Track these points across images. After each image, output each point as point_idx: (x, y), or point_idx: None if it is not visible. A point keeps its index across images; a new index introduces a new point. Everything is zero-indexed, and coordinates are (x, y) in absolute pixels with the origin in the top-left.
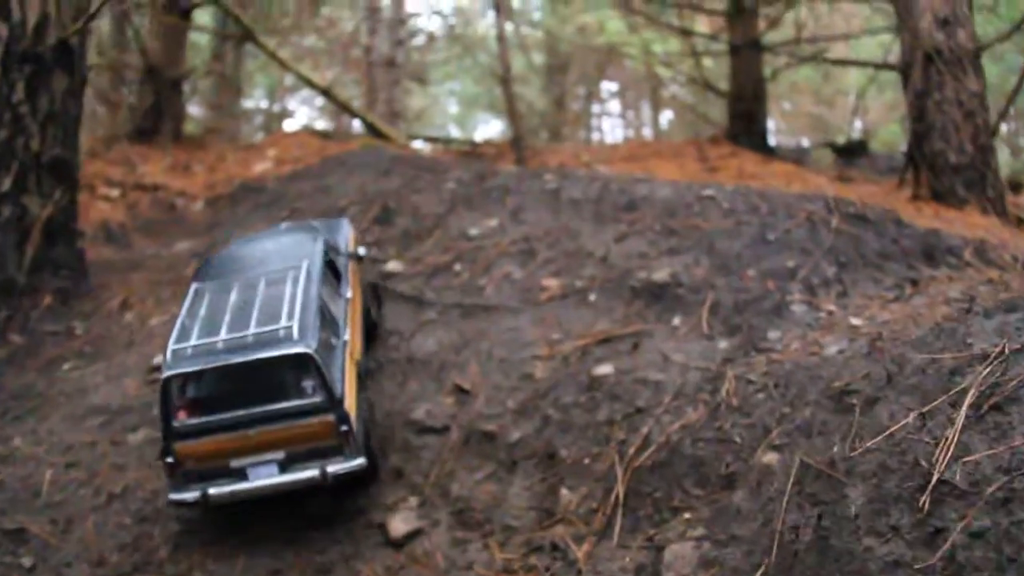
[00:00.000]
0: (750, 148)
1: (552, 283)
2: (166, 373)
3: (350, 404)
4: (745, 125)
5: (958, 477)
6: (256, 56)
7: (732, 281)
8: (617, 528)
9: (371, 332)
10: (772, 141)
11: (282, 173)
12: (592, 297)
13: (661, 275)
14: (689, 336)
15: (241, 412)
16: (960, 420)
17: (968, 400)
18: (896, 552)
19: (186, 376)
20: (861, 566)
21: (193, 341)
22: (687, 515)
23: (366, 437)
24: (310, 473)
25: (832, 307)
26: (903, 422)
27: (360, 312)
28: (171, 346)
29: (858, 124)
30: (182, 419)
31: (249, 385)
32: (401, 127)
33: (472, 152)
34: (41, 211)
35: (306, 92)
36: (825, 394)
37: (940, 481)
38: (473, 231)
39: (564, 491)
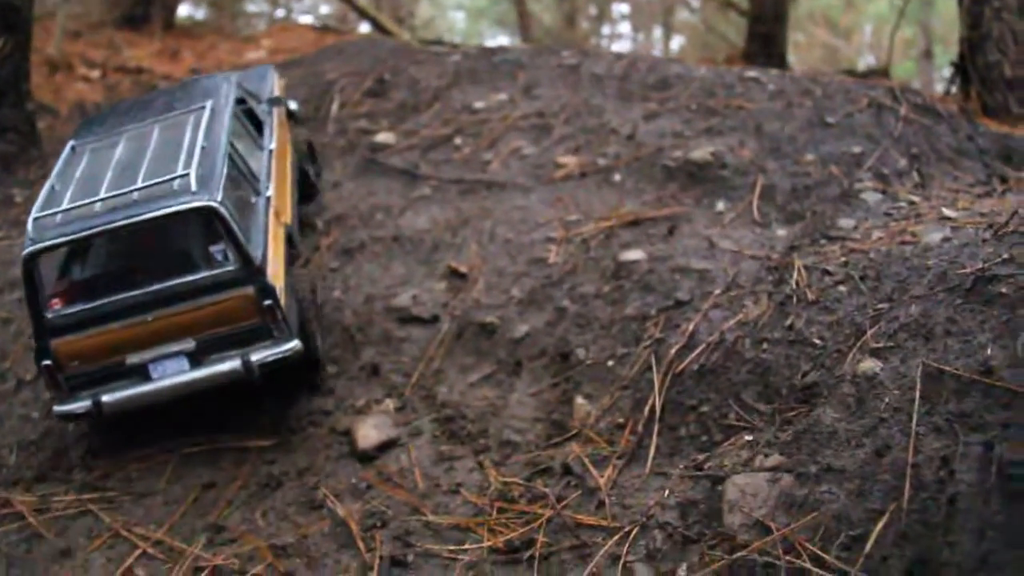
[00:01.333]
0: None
1: (569, 160)
2: (27, 249)
3: (275, 273)
4: (763, 47)
5: None
6: None
7: (786, 164)
8: (652, 450)
9: (307, 194)
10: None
11: (275, 61)
12: (617, 177)
13: (700, 154)
14: (737, 222)
15: (133, 292)
16: None
17: None
18: None
19: (55, 250)
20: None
21: (64, 205)
22: (748, 436)
23: (302, 316)
24: (230, 365)
25: (913, 197)
26: None
27: (291, 169)
28: (33, 214)
29: (871, 59)
30: (57, 308)
31: (141, 257)
32: (406, 34)
33: None
34: None
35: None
36: (945, 285)
37: None
38: (478, 104)
39: (580, 400)
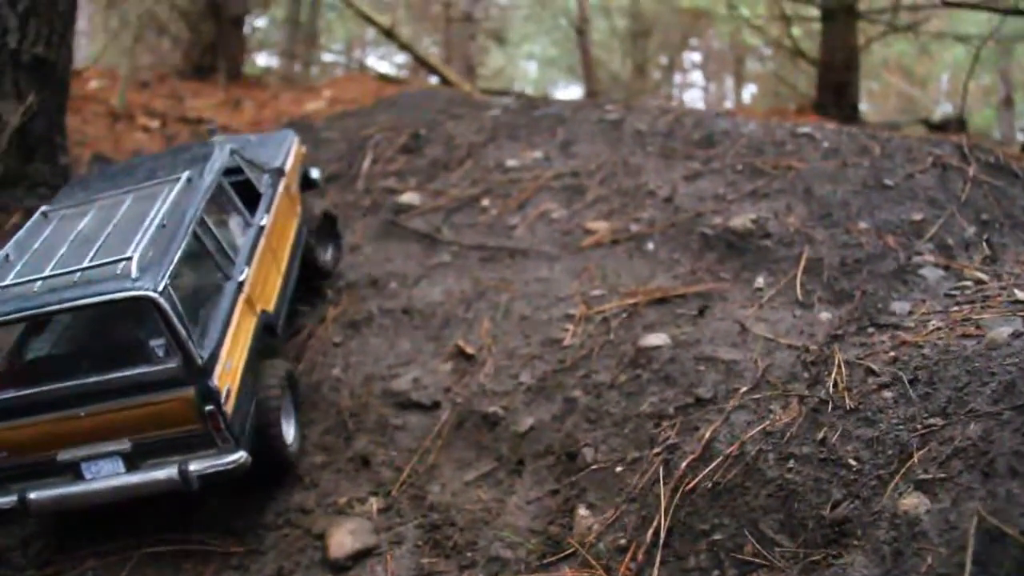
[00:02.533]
0: (839, 120)
1: (600, 226)
2: None
3: (229, 372)
4: (835, 96)
5: None
6: (334, 6)
7: (837, 234)
8: None
9: (316, 275)
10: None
11: (333, 112)
12: (650, 245)
13: (741, 221)
14: (777, 302)
15: (67, 383)
16: None
17: None
18: None
19: None
20: None
21: (6, 280)
22: None
23: (262, 420)
24: (167, 473)
25: (981, 275)
26: None
27: (289, 247)
28: None
29: (948, 108)
30: None
31: (80, 345)
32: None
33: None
34: (12, 118)
35: (385, 47)
36: (1013, 400)
37: None
38: (511, 162)
39: (583, 511)
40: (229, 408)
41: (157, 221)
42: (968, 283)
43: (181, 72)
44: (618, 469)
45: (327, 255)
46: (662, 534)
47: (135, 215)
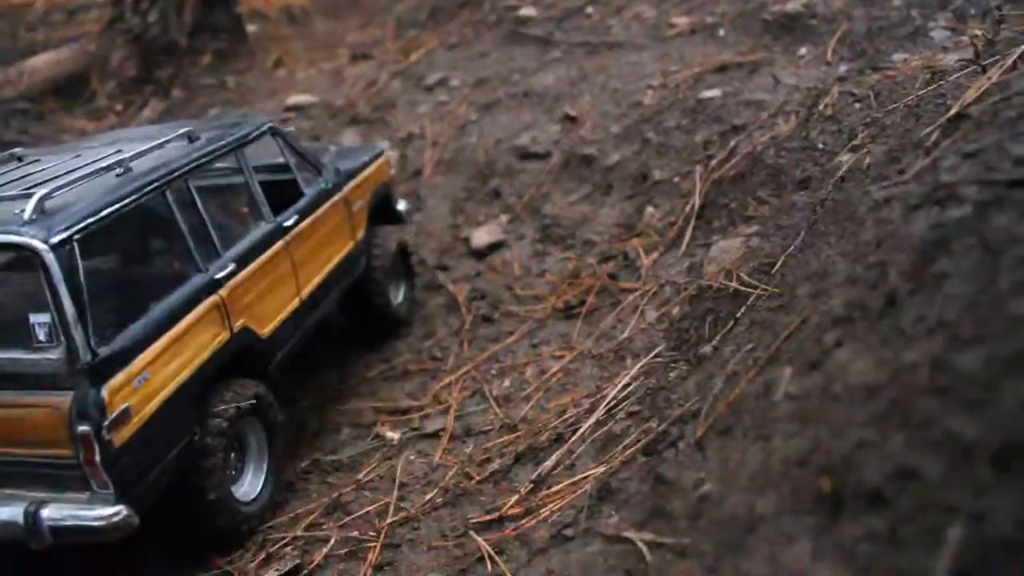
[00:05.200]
0: None
1: (682, 20)
2: None
3: (132, 390)
4: None
5: (978, 110)
6: None
7: (872, 11)
8: (687, 238)
9: (381, 322)
10: None
11: None
12: (721, 32)
13: (794, 6)
14: (811, 63)
15: None
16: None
17: None
18: (888, 191)
19: None
20: (854, 211)
21: None
22: (755, 222)
23: (175, 477)
24: (8, 512)
25: (980, 31)
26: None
27: (326, 271)
28: None
29: None
30: None
31: None
32: None
33: None
34: None
35: None
36: (940, 108)
37: (958, 116)
38: None
39: (649, 209)
40: (119, 437)
41: (112, 165)
42: (964, 38)
43: None
44: (675, 179)
45: (399, 297)
46: (695, 208)
47: (101, 161)
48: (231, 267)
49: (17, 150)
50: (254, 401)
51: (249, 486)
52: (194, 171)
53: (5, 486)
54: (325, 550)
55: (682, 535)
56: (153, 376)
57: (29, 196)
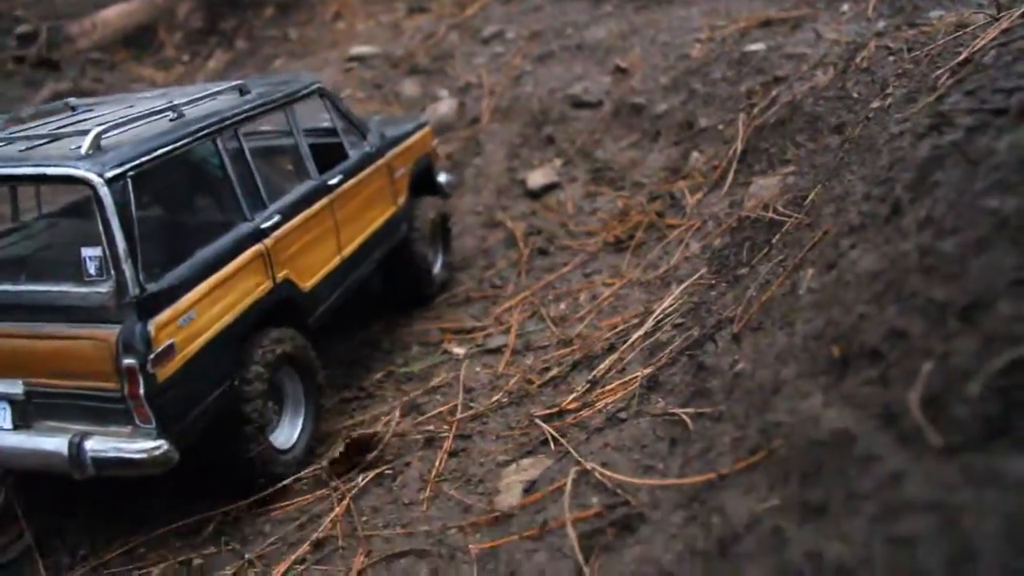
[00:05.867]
0: None
1: None
2: None
3: (179, 327)
4: None
5: (984, 57)
6: None
7: None
8: (729, 179)
9: (421, 289)
10: None
11: None
12: None
13: None
14: (852, 19)
15: None
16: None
17: None
18: (901, 126)
19: None
20: (873, 143)
21: None
22: (792, 164)
23: (214, 420)
24: (53, 443)
25: None
26: (972, 26)
27: (367, 233)
28: None
29: None
30: None
31: (35, 246)
32: None
33: None
34: None
35: None
36: (953, 61)
37: (966, 60)
38: None
39: (695, 154)
40: (163, 372)
41: (165, 110)
42: None
43: None
44: (719, 127)
45: (437, 266)
46: (738, 153)
47: (154, 107)
48: (276, 218)
49: (71, 99)
50: (292, 350)
51: (286, 435)
52: (244, 121)
53: (50, 418)
54: (404, 441)
55: (719, 405)
56: (198, 316)
57: (86, 133)
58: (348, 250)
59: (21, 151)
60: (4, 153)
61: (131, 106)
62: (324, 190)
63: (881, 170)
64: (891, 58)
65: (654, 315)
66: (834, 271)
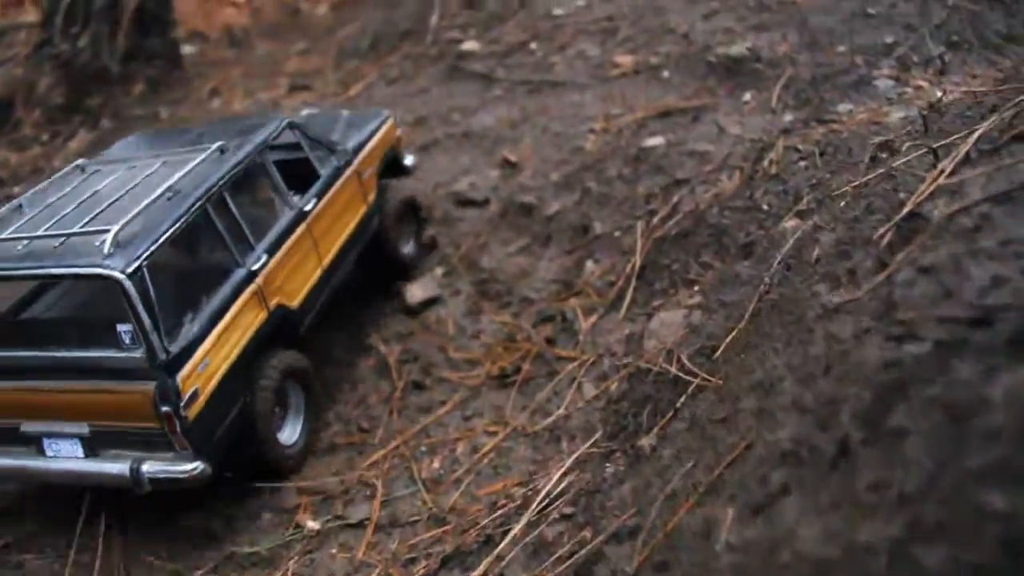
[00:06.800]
0: None
1: (626, 60)
2: None
3: (198, 374)
4: None
5: (934, 212)
6: None
7: (817, 57)
8: (627, 300)
9: (394, 268)
10: None
11: None
12: (665, 74)
13: (738, 49)
14: (755, 111)
15: (33, 352)
16: (960, 156)
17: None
18: (839, 296)
19: None
20: (802, 313)
21: (1, 234)
22: (697, 287)
23: (249, 425)
24: (117, 468)
25: (923, 83)
26: (906, 159)
27: (344, 238)
28: None
29: None
30: None
31: (66, 314)
32: None
33: None
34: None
35: None
36: (874, 163)
37: (911, 214)
38: (557, 11)
39: (589, 264)
40: (192, 412)
41: (163, 192)
42: (909, 89)
43: None
44: (616, 234)
45: (408, 247)
46: (636, 269)
47: (152, 182)
48: (264, 258)
49: (80, 161)
50: (291, 366)
51: (289, 433)
52: (228, 183)
53: (112, 448)
54: None
55: None
56: (211, 361)
57: (106, 231)
58: (327, 259)
59: (54, 248)
60: (39, 249)
61: (134, 177)
62: (301, 217)
63: (816, 366)
64: (802, 163)
65: (539, 495)
66: (762, 524)
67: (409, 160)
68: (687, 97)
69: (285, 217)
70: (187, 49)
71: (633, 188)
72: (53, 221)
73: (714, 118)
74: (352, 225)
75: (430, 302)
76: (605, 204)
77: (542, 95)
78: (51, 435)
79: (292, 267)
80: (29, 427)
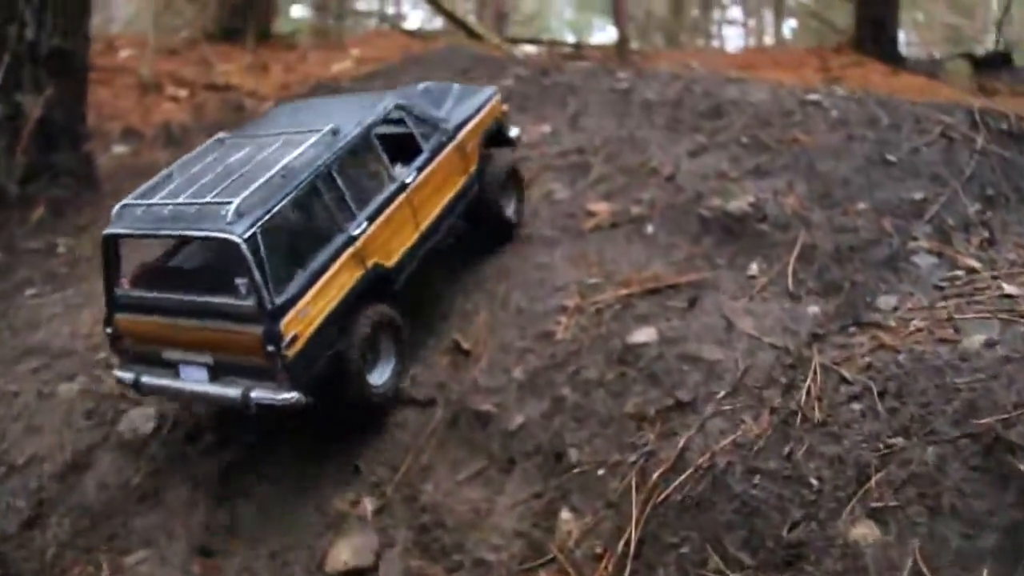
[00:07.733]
0: (877, 58)
1: (602, 208)
2: (106, 231)
3: (299, 320)
4: (873, 31)
5: None
6: None
7: (834, 216)
8: None
9: (499, 228)
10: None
11: (360, 73)
12: (649, 228)
13: (740, 203)
14: (768, 292)
15: (175, 295)
16: None
17: None
18: None
19: (123, 239)
20: None
21: (154, 199)
22: None
23: (338, 367)
24: (233, 391)
25: (973, 262)
26: None
27: (443, 205)
28: (128, 198)
29: (996, 38)
30: (124, 288)
31: (194, 265)
32: (508, 29)
33: (575, 56)
34: (33, 110)
35: None
36: (964, 426)
37: None
38: (521, 139)
39: (565, 514)
40: (292, 352)
41: (280, 170)
42: (960, 272)
43: (210, 36)
44: (599, 472)
45: (510, 210)
46: (633, 545)
47: (272, 158)
48: (364, 224)
49: (220, 135)
50: (383, 318)
51: (379, 375)
52: (335, 163)
53: (230, 375)
54: None
55: None
56: (311, 311)
57: (230, 203)
58: (424, 226)
59: (192, 213)
60: (180, 212)
61: (259, 152)
62: (402, 188)
63: None
64: (856, 406)
65: None
66: None
67: (514, 132)
68: (678, 265)
69: (387, 188)
70: (118, 150)
71: (619, 403)
72: (192, 189)
73: (717, 301)
74: (453, 192)
75: (359, 572)
76: (583, 423)
77: (501, 252)
78: (185, 362)
79: (391, 233)
80: (169, 354)
